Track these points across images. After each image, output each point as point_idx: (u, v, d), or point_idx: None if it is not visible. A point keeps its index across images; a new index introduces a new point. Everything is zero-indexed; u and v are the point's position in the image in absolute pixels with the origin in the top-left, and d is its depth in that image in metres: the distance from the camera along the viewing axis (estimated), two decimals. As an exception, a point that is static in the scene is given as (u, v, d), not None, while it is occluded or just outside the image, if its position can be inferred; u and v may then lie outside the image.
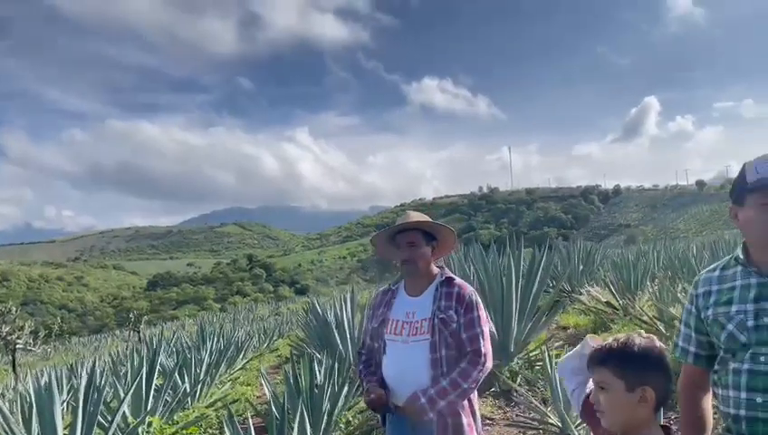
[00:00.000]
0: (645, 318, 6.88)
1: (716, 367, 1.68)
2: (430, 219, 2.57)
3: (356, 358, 2.75)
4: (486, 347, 2.46)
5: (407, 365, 2.45)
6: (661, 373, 1.59)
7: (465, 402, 2.45)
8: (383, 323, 2.56)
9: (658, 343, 1.62)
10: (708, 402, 1.75)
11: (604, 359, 1.61)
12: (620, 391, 1.57)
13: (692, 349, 1.76)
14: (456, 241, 2.64)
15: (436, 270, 2.60)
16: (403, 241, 2.52)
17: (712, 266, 1.77)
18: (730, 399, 1.59)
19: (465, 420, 2.41)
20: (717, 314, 1.65)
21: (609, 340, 1.67)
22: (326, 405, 4.38)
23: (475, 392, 2.53)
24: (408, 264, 2.51)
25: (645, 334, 1.65)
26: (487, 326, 2.54)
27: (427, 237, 2.53)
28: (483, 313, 2.51)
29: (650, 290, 8.48)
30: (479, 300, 2.54)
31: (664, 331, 6.34)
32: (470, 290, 2.53)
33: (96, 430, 4.19)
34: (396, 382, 2.48)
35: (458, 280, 2.57)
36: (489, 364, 2.47)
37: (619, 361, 1.58)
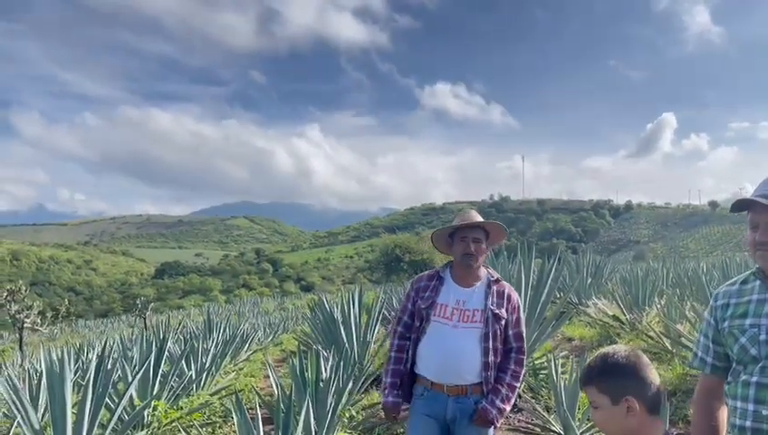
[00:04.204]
0: (651, 334, 6.87)
1: (729, 378, 1.72)
2: (498, 221, 2.83)
3: (390, 335, 2.98)
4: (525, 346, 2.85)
5: (455, 349, 2.67)
6: (640, 381, 1.63)
7: None
8: (431, 305, 2.74)
9: (632, 351, 1.67)
10: (722, 413, 1.78)
11: (589, 378, 1.68)
12: (608, 406, 1.63)
13: (709, 359, 1.80)
14: (502, 238, 2.90)
15: (482, 267, 2.85)
16: (470, 236, 2.73)
17: (732, 280, 1.81)
18: (737, 410, 1.63)
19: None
20: (732, 327, 1.68)
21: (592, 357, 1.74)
22: (331, 400, 4.41)
23: None
24: (470, 257, 2.72)
25: (620, 346, 1.72)
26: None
27: (485, 236, 2.79)
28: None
29: (658, 306, 8.45)
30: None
31: (670, 347, 6.34)
32: (516, 293, 2.85)
33: (102, 410, 4.26)
34: (440, 362, 2.69)
35: (505, 282, 2.86)
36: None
37: (599, 377, 1.65)
